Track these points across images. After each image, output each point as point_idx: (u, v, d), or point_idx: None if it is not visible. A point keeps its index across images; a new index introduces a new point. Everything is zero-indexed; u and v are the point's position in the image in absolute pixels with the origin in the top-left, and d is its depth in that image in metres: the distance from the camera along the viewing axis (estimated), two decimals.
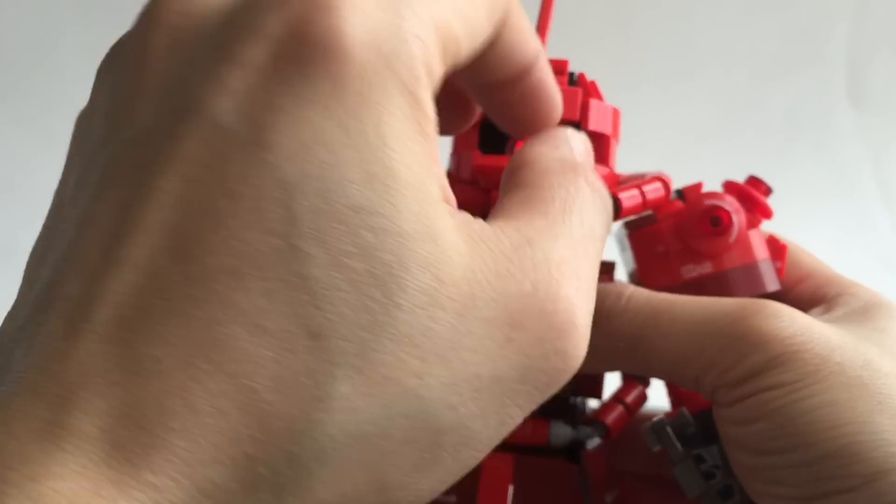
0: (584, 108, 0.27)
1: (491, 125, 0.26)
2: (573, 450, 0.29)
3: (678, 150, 0.95)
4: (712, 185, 0.31)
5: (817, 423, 0.23)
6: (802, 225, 0.99)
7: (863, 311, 0.27)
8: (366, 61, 0.15)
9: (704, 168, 0.32)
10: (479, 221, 0.18)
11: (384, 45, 0.16)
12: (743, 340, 0.24)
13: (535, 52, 0.21)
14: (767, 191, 0.31)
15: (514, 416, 0.18)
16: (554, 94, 0.22)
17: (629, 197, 0.26)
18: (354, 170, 0.15)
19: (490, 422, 0.17)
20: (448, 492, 0.28)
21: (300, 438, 0.14)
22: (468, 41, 0.18)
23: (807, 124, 1.01)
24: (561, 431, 0.28)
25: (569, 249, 0.19)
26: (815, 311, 0.28)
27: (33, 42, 0.95)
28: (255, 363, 0.14)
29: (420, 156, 0.16)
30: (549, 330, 0.18)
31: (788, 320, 0.24)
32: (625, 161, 0.34)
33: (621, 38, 0.98)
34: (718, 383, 0.24)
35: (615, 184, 0.29)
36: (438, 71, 0.17)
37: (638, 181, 0.28)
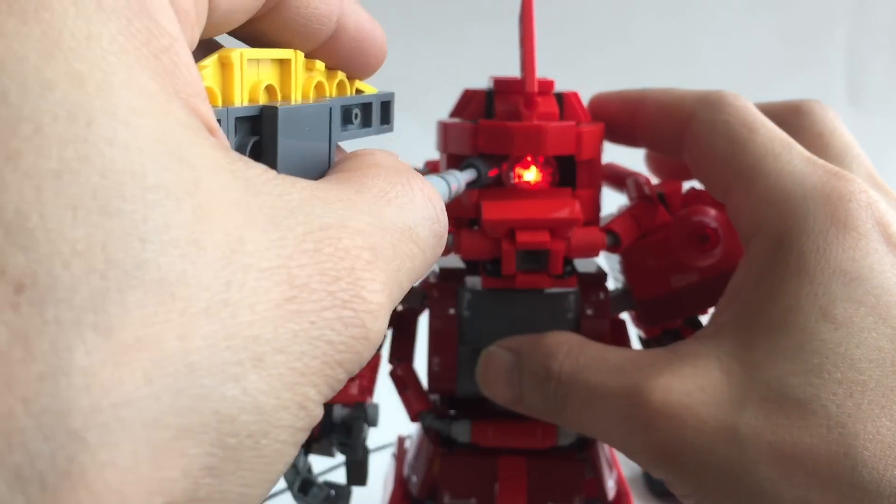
0: (579, 139, 0.28)
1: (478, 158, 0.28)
2: (578, 444, 0.31)
3: None
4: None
5: None
6: None
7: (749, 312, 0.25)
8: None
9: None
10: (260, 165, 0.15)
11: None
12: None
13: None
14: None
15: (310, 398, 0.14)
16: (374, 35, 0.21)
17: (626, 227, 0.27)
18: (54, 68, 0.12)
19: (286, 402, 0.14)
20: (467, 495, 0.29)
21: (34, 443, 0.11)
22: None
23: None
24: (568, 432, 0.30)
25: (373, 227, 0.16)
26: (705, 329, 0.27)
27: None
28: None
29: (151, 69, 0.13)
30: (334, 296, 0.15)
31: None
32: (624, 162, 0.35)
33: (621, 39, 0.99)
34: None
35: (597, 198, 0.30)
36: None
37: (627, 207, 0.29)
